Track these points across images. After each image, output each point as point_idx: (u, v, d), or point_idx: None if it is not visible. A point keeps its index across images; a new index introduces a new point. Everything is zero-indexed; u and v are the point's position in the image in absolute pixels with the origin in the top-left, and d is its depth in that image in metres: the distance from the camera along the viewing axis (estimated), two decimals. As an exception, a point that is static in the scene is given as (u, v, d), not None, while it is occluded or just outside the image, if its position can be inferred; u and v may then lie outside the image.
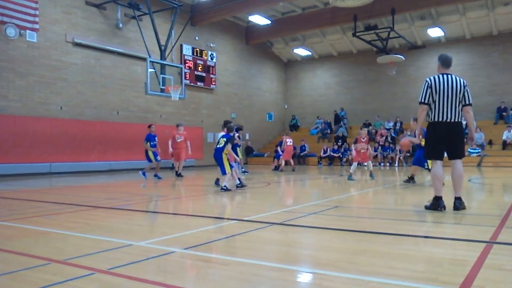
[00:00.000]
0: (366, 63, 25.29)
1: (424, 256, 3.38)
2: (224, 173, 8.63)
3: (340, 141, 22.94)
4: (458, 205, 5.49)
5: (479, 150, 19.40)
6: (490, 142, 20.25)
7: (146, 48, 16.39)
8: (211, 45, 22.57)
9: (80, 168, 16.04)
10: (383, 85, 24.90)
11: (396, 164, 20.49)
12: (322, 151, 22.62)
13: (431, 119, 5.48)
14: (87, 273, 2.91)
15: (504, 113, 21.51)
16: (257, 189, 9.97)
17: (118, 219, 5.58)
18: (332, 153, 22.43)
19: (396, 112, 23.90)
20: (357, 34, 20.85)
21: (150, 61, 15.28)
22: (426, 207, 5.66)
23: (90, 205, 6.81)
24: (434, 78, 5.47)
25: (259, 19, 22.32)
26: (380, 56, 21.75)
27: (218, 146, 8.79)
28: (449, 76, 5.46)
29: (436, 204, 5.51)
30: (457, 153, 5.55)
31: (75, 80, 16.24)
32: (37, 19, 14.25)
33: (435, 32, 22.17)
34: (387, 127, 23.02)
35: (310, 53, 26.75)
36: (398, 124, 23.14)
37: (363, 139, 11.67)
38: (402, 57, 21.47)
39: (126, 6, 17.17)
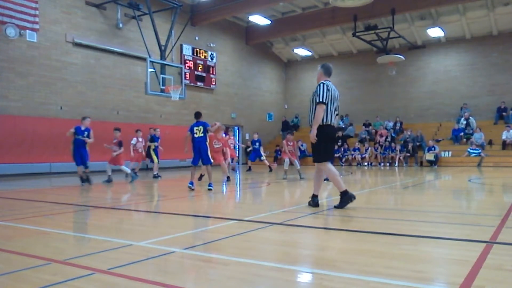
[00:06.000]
0: (366, 63, 25.28)
1: (424, 256, 3.37)
2: None
3: (340, 141, 22.93)
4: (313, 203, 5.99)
5: (479, 150, 19.39)
6: (490, 142, 20.24)
7: (146, 48, 16.39)
8: (211, 45, 22.57)
9: (80, 168, 16.00)
10: (383, 85, 24.91)
11: (396, 164, 20.49)
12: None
13: (324, 122, 5.76)
14: (87, 273, 2.91)
15: (504, 113, 21.50)
16: (257, 189, 9.98)
17: (118, 219, 5.58)
18: (332, 153, 22.45)
19: (396, 112, 23.92)
20: (357, 34, 20.85)
21: (150, 61, 15.28)
22: (338, 207, 5.80)
23: (90, 205, 6.81)
24: (328, 83, 5.89)
25: (259, 19, 22.31)
26: (380, 56, 21.77)
27: None
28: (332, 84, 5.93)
29: (348, 197, 5.75)
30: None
31: (75, 80, 16.24)
32: (37, 19, 14.26)
33: (435, 32, 22.17)
34: (387, 127, 23.02)
35: (310, 53, 26.74)
36: (398, 124, 23.15)
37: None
38: (402, 57, 21.48)
39: (126, 6, 17.16)
